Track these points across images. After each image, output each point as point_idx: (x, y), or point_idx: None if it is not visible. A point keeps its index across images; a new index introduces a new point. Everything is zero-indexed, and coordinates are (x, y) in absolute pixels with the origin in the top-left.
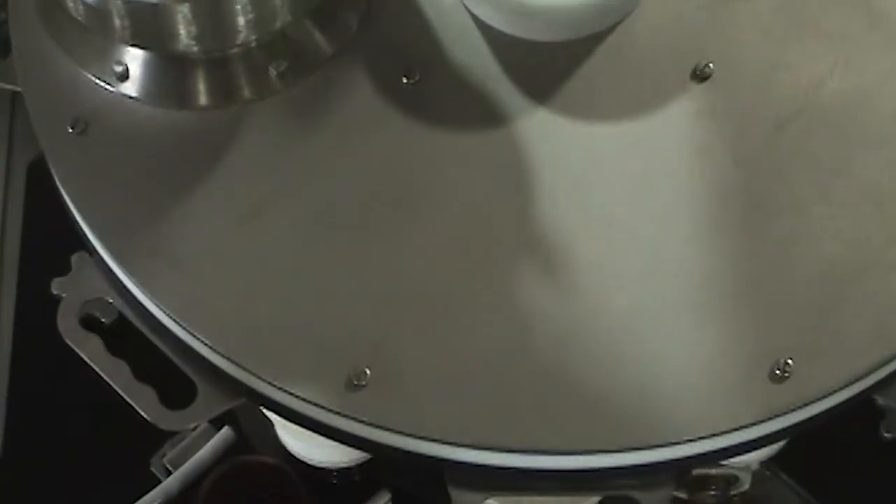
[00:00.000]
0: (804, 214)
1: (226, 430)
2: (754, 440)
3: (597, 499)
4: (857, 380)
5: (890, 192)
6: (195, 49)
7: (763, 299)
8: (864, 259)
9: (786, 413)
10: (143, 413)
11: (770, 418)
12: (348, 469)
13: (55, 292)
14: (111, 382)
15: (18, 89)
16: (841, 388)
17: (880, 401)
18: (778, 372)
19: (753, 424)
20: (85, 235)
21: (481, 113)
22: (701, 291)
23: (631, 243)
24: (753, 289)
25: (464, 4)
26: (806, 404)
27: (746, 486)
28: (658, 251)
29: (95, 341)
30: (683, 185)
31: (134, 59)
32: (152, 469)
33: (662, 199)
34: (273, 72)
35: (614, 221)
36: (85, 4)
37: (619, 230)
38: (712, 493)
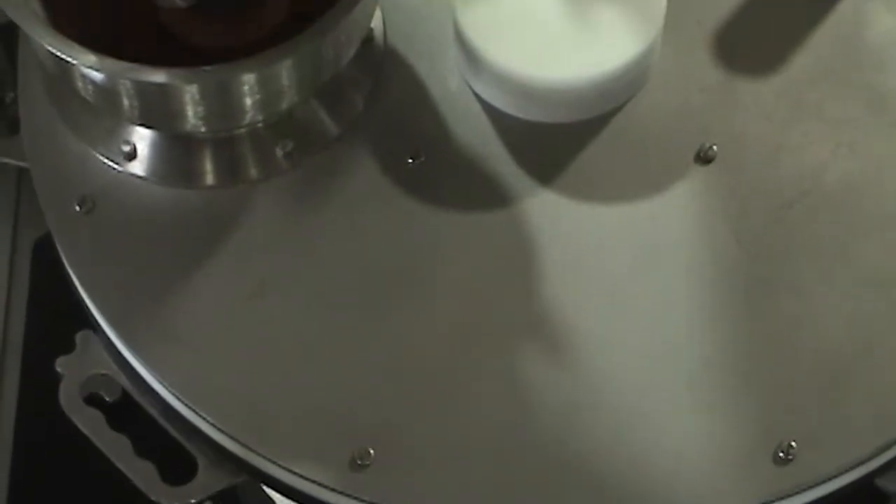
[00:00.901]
0: (807, 296)
1: None
2: None
3: None
4: (860, 464)
5: (892, 275)
6: (202, 129)
7: (766, 380)
8: (867, 342)
9: (789, 496)
10: (143, 489)
11: (773, 501)
12: None
13: (59, 370)
14: (112, 458)
15: (25, 166)
16: (844, 473)
17: (883, 485)
18: (781, 454)
19: None
20: (90, 313)
21: (486, 193)
22: (704, 371)
23: (634, 322)
24: (757, 369)
25: (469, 86)
26: (809, 487)
27: None
28: (661, 330)
29: (97, 417)
30: (687, 265)
31: (142, 138)
32: None
33: (666, 280)
34: (279, 152)
35: (618, 301)
36: (94, 84)
37: (623, 309)
38: None
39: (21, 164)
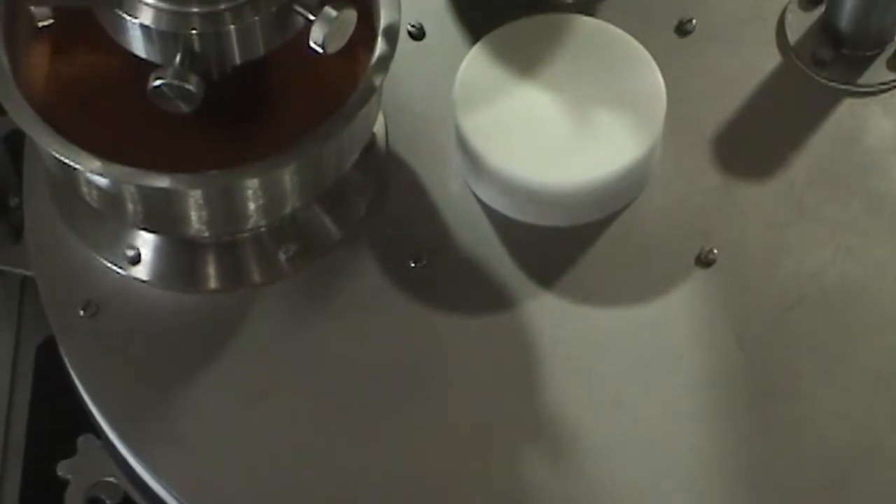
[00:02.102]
0: (809, 399)
1: None
2: None
3: None
4: None
5: (893, 377)
6: (206, 233)
7: (769, 482)
8: (869, 443)
9: None
10: None
11: None
12: None
13: (61, 475)
14: None
15: (29, 274)
16: None
17: None
18: None
19: None
20: (93, 417)
21: (487, 296)
22: (707, 474)
23: (637, 425)
24: (759, 472)
25: (471, 190)
26: None
27: None
28: (663, 435)
29: None
30: (688, 369)
31: (145, 243)
32: None
33: (668, 382)
34: (282, 256)
35: (620, 404)
36: (98, 189)
37: (624, 413)
38: None
39: (25, 272)
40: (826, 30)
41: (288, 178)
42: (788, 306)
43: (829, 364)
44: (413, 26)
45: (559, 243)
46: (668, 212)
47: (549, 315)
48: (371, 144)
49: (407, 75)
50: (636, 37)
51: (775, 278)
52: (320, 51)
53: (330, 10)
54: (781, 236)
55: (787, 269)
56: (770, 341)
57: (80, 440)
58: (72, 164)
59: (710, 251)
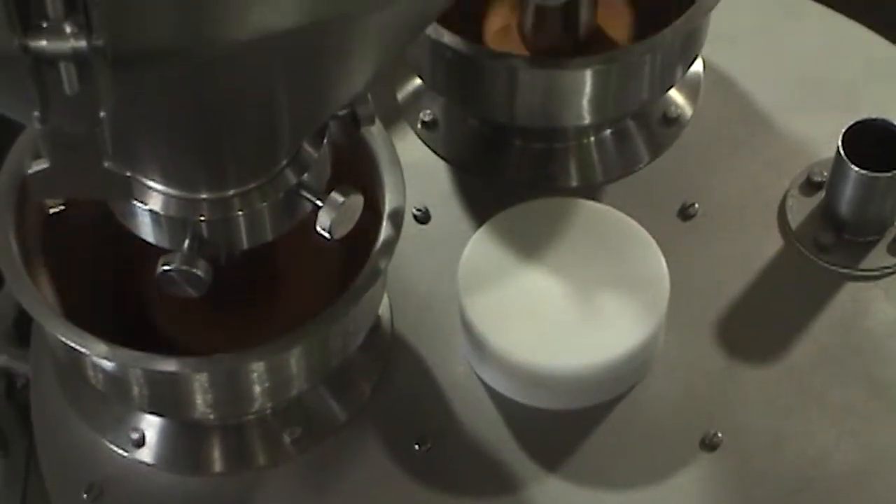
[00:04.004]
0: None
1: None
2: None
3: None
4: None
5: None
6: (211, 416)
7: None
8: None
9: None
10: None
11: None
12: None
13: None
14: None
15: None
16: None
17: None
18: None
19: None
20: None
21: (492, 479)
22: None
23: None
24: None
25: (475, 372)
26: None
27: None
28: None
29: None
30: None
31: (150, 425)
32: None
33: None
34: (287, 438)
35: None
36: (104, 373)
37: None
38: None
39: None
40: (827, 215)
41: (294, 361)
42: (794, 491)
43: None
44: (418, 210)
45: (564, 426)
46: (672, 395)
47: (555, 499)
48: (376, 327)
49: (412, 258)
50: (639, 220)
51: (780, 462)
52: (327, 236)
53: (337, 196)
54: (785, 420)
55: (792, 454)
56: None
57: None
58: (78, 348)
59: (715, 435)
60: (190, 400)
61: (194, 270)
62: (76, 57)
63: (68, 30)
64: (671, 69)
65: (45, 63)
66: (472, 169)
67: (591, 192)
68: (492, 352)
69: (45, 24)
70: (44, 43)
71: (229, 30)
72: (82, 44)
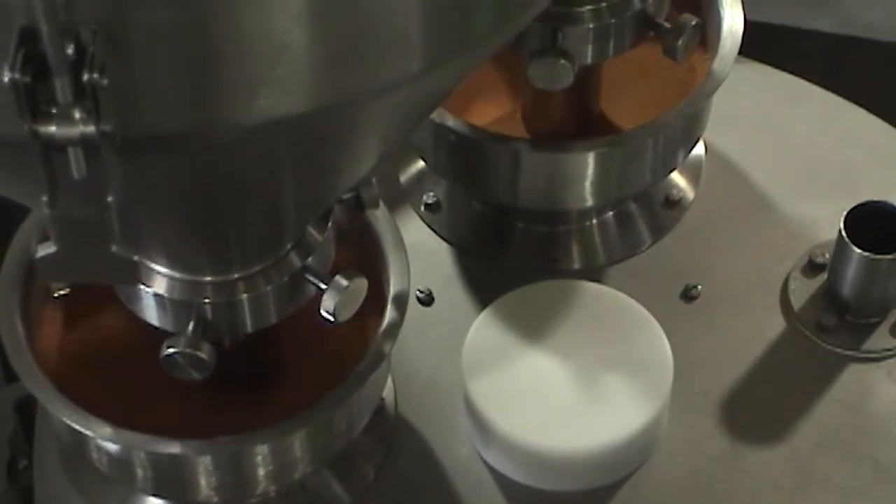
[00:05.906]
0: None
1: None
2: None
3: None
4: None
5: None
6: (215, 500)
7: None
8: None
9: None
10: None
11: None
12: None
13: None
14: None
15: None
16: None
17: None
18: None
19: None
20: None
21: None
22: None
23: None
24: None
25: (479, 455)
26: None
27: None
28: None
29: None
30: None
31: None
32: None
33: None
34: None
35: None
36: (108, 455)
37: None
38: None
39: None
40: (829, 297)
41: (298, 444)
42: None
43: None
44: (422, 292)
45: None
46: (676, 477)
47: None
48: (380, 409)
49: (415, 340)
50: (642, 302)
51: None
52: (332, 319)
53: (341, 280)
54: (790, 503)
55: None
56: None
57: None
58: (83, 430)
59: None
60: (193, 483)
61: (198, 353)
62: (85, 142)
63: (77, 115)
64: (673, 152)
65: (54, 148)
66: (475, 251)
67: (593, 274)
68: (496, 434)
69: (54, 110)
70: (53, 129)
71: (237, 115)
72: (91, 129)
